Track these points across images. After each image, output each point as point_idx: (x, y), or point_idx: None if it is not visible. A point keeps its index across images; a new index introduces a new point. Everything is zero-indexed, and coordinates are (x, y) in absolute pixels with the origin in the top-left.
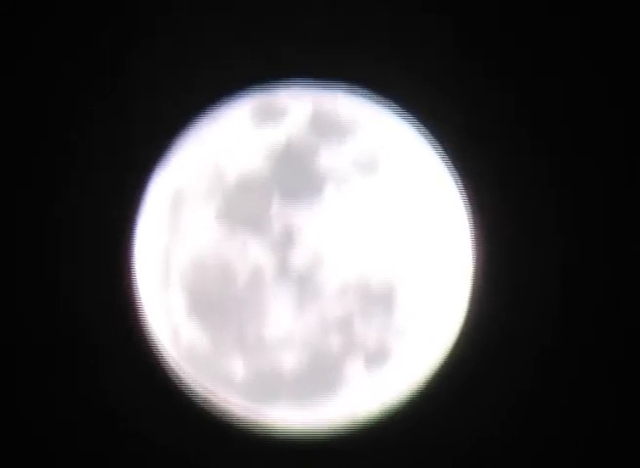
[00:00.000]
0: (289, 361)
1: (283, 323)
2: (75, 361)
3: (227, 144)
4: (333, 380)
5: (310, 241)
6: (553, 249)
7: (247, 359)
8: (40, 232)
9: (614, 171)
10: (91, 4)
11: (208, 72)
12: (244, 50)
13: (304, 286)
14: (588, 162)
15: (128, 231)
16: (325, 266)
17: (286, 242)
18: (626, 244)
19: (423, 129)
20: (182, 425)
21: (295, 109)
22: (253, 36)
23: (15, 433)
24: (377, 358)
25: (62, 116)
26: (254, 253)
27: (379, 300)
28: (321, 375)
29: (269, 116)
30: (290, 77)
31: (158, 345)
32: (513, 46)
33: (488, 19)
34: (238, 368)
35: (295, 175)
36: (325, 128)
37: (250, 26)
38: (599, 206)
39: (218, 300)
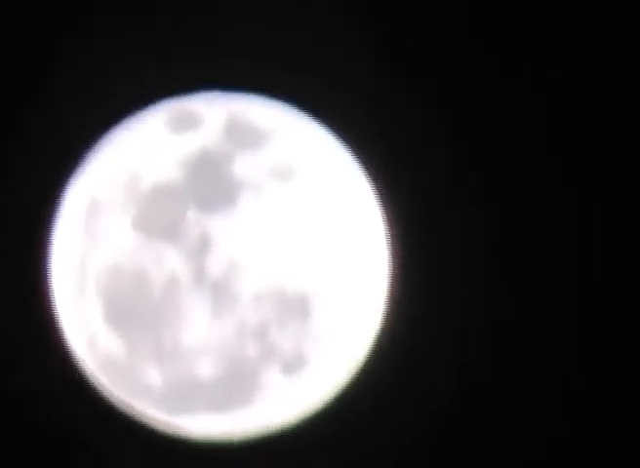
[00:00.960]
0: (205, 369)
1: (199, 331)
2: None
3: (143, 152)
4: (250, 388)
5: (226, 249)
6: (471, 255)
7: (163, 367)
8: None
9: (535, 179)
10: (6, 7)
11: (123, 79)
12: (160, 57)
13: (220, 293)
14: (510, 174)
15: (43, 239)
16: (241, 274)
17: (202, 250)
18: (552, 246)
19: (339, 137)
20: (100, 436)
21: (210, 117)
22: (169, 44)
23: None
24: (294, 365)
25: None
26: (169, 261)
27: (295, 307)
28: (238, 383)
29: (185, 124)
30: (206, 85)
31: (74, 354)
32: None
33: (410, 31)
34: (155, 376)
35: (210, 182)
36: (240, 136)
37: (166, 34)
38: (522, 212)
39: (134, 308)
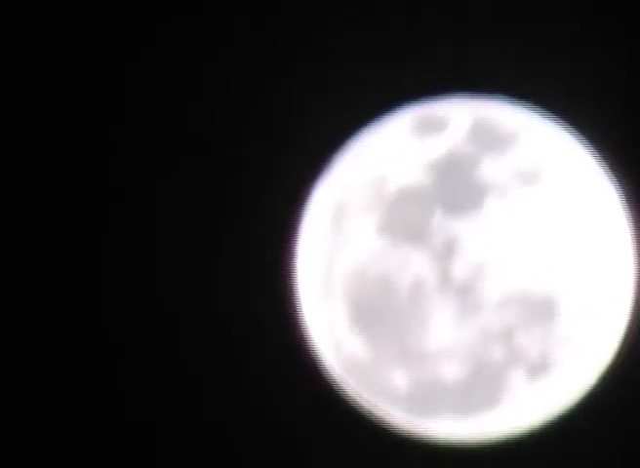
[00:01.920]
0: (450, 372)
1: (444, 334)
2: (238, 370)
3: (389, 156)
4: (495, 391)
5: (472, 252)
6: None
7: (409, 370)
8: (204, 240)
9: None
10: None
11: (370, 85)
12: (406, 63)
13: (466, 297)
14: None
15: (290, 242)
16: (486, 277)
17: (447, 253)
18: None
19: (584, 140)
20: (344, 437)
21: (456, 121)
22: (415, 50)
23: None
24: (539, 368)
25: (223, 133)
26: (415, 265)
27: (540, 311)
28: (483, 387)
29: (431, 127)
30: (451, 90)
31: (320, 356)
32: None
33: None
34: (400, 379)
35: (456, 186)
36: (486, 139)
37: (413, 41)
38: None
39: (379, 312)
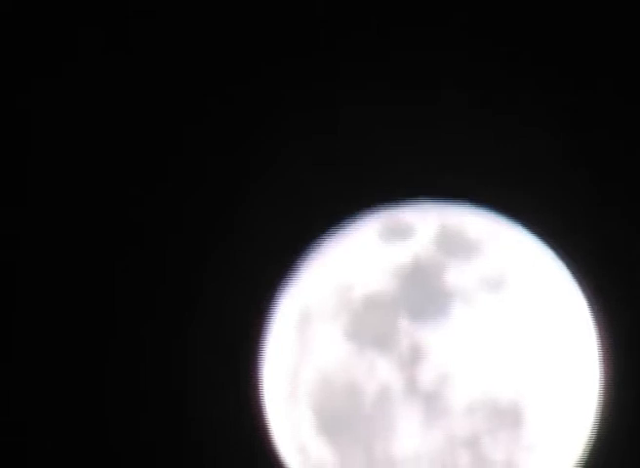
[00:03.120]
0: None
1: (411, 441)
2: None
3: (355, 262)
4: None
5: (438, 359)
6: None
7: None
8: (171, 348)
9: None
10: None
11: (337, 191)
12: (372, 169)
13: (432, 403)
14: None
15: (257, 350)
16: (453, 384)
17: (413, 360)
18: None
19: (550, 248)
20: None
21: (422, 227)
22: (381, 155)
23: None
24: None
25: (191, 248)
26: (381, 371)
27: (507, 417)
28: None
29: (397, 234)
30: (417, 196)
31: (286, 463)
32: None
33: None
34: None
35: (422, 292)
36: (452, 246)
37: (378, 146)
38: None
39: (346, 418)
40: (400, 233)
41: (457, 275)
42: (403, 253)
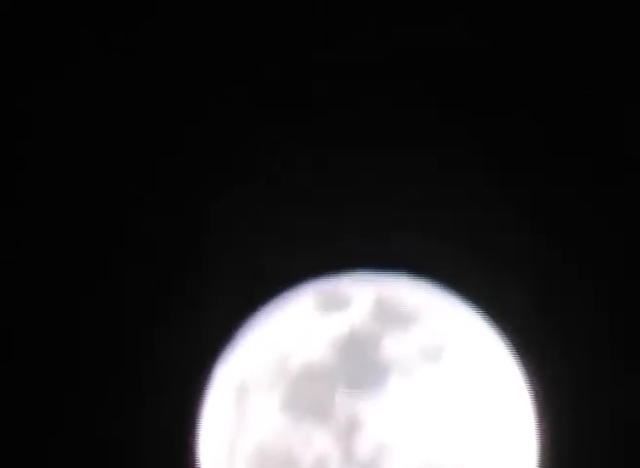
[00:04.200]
0: None
1: None
2: None
3: (292, 333)
4: None
5: (375, 430)
6: (615, 443)
7: None
8: (111, 418)
9: None
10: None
11: (272, 262)
12: (307, 240)
13: None
14: None
15: (193, 422)
16: (390, 455)
17: (351, 431)
18: None
19: (489, 319)
20: None
21: (358, 298)
22: (317, 227)
23: None
24: None
25: (128, 313)
26: (318, 442)
27: None
28: None
29: (333, 305)
30: (353, 267)
31: None
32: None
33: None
34: None
35: (359, 363)
36: (389, 316)
37: (313, 217)
38: None
39: None
40: (337, 304)
41: (394, 345)
42: (340, 325)
